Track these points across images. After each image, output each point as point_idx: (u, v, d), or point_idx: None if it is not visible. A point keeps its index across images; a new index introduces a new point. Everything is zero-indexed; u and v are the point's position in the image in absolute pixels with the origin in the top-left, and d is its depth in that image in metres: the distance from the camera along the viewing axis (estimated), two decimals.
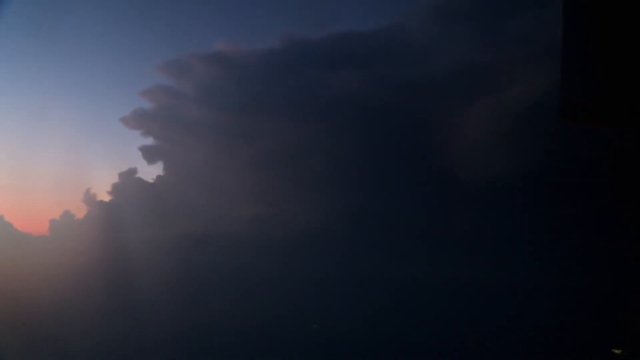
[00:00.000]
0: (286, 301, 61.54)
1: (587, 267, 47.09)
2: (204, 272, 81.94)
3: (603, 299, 45.27)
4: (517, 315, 47.22)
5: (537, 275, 52.28)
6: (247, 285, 72.57)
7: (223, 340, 50.54)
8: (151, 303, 64.77)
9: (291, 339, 48.21)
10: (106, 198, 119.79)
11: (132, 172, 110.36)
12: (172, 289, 70.39)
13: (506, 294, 51.77)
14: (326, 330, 49.69)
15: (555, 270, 49.77)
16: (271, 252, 77.72)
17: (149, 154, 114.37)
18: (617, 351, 41.31)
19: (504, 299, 50.93)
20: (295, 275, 72.34)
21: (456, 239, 66.55)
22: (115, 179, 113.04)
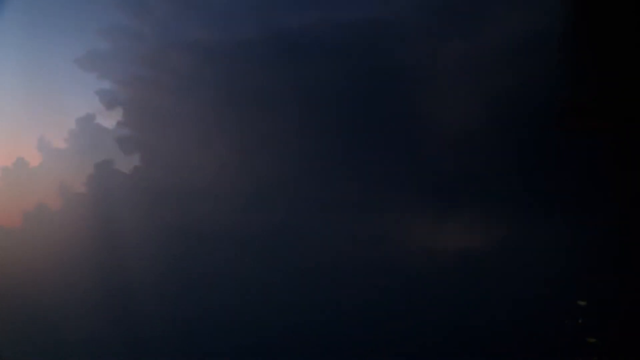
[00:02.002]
0: (253, 258, 59.97)
1: (573, 252, 46.67)
2: (167, 224, 79.40)
3: (584, 289, 45.17)
4: (495, 300, 47.02)
5: (523, 256, 51.83)
6: (210, 239, 70.56)
7: (182, 298, 49.23)
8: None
9: (258, 306, 47.18)
10: (62, 145, 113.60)
11: (90, 117, 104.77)
12: (133, 241, 68.02)
13: (479, 252, 51.32)
14: (294, 296, 48.70)
15: (542, 252, 49.28)
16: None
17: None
18: (582, 303, 41.72)
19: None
20: (264, 233, 70.38)
21: (433, 196, 65.42)
22: (72, 125, 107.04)
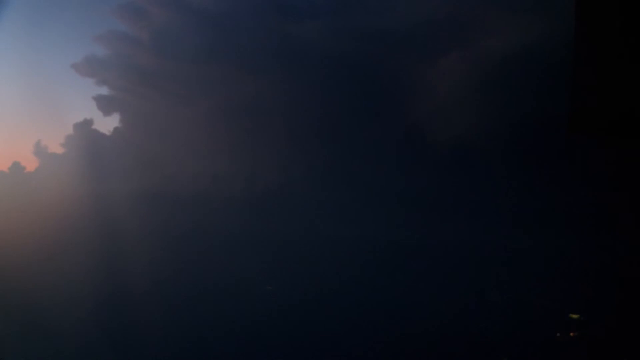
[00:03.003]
0: (244, 260, 60.04)
1: (557, 230, 46.69)
2: (162, 229, 79.45)
3: (567, 264, 45.30)
4: (482, 278, 46.98)
5: (509, 237, 51.87)
6: (205, 243, 70.68)
7: (176, 298, 49.06)
8: (105, 259, 62.47)
9: (244, 298, 47.02)
10: (59, 150, 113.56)
11: (87, 123, 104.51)
12: (128, 245, 67.92)
13: (474, 257, 51.29)
14: (280, 292, 48.60)
15: (526, 232, 49.28)
16: (230, 210, 75.43)
17: (105, 105, 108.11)
18: (574, 316, 41.82)
19: (472, 263, 50.51)
20: (256, 234, 70.70)
21: (429, 200, 65.29)
22: (69, 130, 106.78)
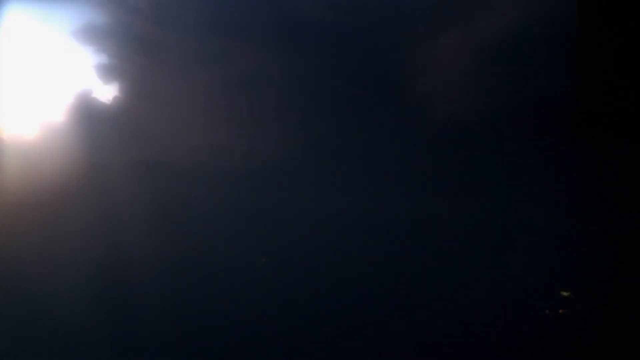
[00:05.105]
0: (242, 235, 60.35)
1: (550, 209, 47.11)
2: (161, 201, 79.60)
3: (557, 243, 45.76)
4: (472, 256, 47.50)
5: (503, 214, 52.05)
6: (204, 218, 70.86)
7: (174, 274, 49.50)
8: (104, 233, 62.81)
9: (240, 273, 47.51)
10: (59, 119, 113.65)
11: (87, 92, 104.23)
12: (127, 218, 68.31)
13: (469, 234, 51.64)
14: (274, 265, 49.05)
15: (521, 211, 49.54)
16: (230, 184, 75.76)
17: (105, 73, 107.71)
18: (565, 293, 42.51)
19: (466, 240, 50.88)
20: (255, 210, 70.76)
21: (428, 177, 65.09)
22: (68, 98, 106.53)
